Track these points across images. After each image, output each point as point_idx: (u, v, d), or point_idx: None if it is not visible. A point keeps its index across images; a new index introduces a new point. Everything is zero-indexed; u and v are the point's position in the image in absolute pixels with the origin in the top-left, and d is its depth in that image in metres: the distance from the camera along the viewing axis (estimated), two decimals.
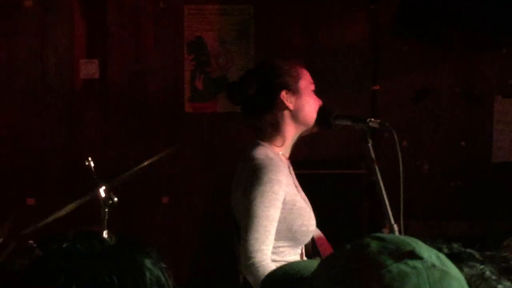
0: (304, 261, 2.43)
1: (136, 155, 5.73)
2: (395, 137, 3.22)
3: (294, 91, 3.36)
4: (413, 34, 5.85)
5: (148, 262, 1.39)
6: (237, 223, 3.32)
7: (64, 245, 1.38)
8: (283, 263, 3.07)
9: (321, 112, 3.40)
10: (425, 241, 1.20)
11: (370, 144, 3.24)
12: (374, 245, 1.15)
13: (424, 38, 5.84)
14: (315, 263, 1.26)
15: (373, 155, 3.22)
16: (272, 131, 3.37)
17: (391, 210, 3.17)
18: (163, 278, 1.40)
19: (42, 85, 5.98)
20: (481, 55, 5.96)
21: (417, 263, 1.12)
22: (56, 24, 5.97)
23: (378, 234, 1.19)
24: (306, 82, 3.40)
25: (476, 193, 5.95)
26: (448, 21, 5.72)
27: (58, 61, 5.99)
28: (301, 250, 3.40)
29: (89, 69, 5.99)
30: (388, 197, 3.19)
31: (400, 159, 3.19)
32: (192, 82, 6.00)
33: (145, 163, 3.81)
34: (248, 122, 3.47)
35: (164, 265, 1.43)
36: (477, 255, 1.27)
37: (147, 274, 1.37)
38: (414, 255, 1.13)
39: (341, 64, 5.95)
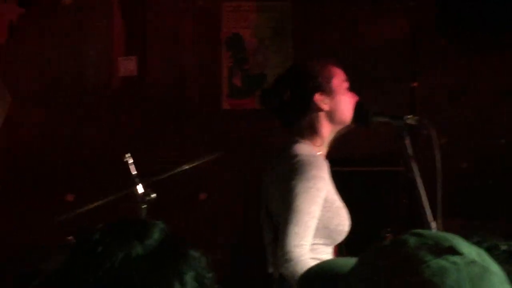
0: (341, 258, 2.42)
1: (174, 151, 5.76)
2: (433, 134, 3.20)
3: (328, 92, 3.33)
4: (453, 31, 5.81)
5: (188, 276, 1.33)
6: (273, 218, 3.31)
7: (99, 250, 1.32)
8: (316, 260, 3.07)
9: (358, 108, 3.38)
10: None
11: (407, 141, 3.23)
12: (412, 241, 1.15)
13: (464, 35, 5.80)
14: (351, 261, 1.26)
15: (410, 152, 3.21)
16: (309, 132, 3.35)
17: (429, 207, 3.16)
18: None
19: (81, 82, 6.02)
20: None
21: (457, 259, 1.11)
22: (94, 22, 6.01)
23: (416, 231, 1.19)
24: (339, 81, 3.36)
25: None
26: (488, 19, 5.68)
27: (96, 59, 6.03)
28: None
29: (128, 66, 6.02)
30: (426, 195, 3.17)
31: (438, 157, 3.17)
32: (230, 79, 6.01)
33: (186, 167, 3.81)
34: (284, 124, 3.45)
35: (209, 275, 1.36)
36: None
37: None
38: (453, 250, 1.13)
39: (380, 61, 5.93)
